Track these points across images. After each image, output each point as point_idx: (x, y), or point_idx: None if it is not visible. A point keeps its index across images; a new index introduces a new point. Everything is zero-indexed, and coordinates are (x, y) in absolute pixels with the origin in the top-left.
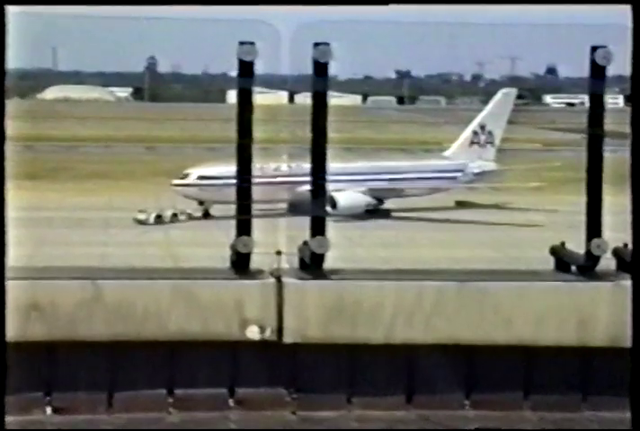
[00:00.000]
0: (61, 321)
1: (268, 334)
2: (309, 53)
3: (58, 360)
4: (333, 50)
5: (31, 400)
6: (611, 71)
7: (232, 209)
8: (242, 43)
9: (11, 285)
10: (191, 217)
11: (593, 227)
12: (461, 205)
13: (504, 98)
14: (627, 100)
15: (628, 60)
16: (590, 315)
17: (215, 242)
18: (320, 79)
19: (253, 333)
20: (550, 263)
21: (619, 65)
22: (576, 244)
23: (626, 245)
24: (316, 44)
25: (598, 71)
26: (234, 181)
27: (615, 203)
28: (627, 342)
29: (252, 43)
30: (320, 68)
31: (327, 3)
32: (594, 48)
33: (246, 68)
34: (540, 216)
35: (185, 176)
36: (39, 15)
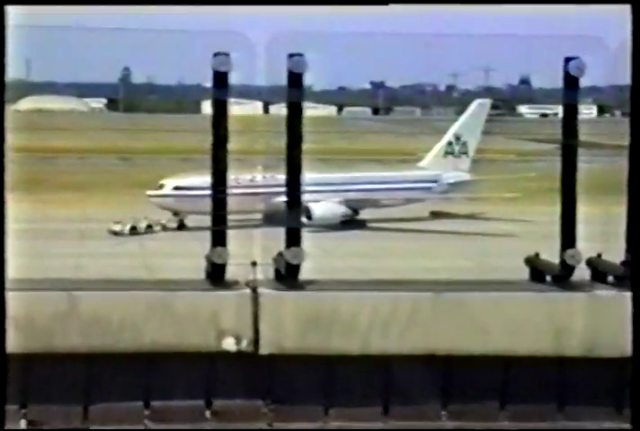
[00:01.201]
0: (36, 333)
1: (244, 345)
2: (284, 64)
3: (34, 372)
4: (307, 61)
5: (5, 412)
6: (585, 82)
7: (208, 220)
8: (216, 54)
9: None
10: (165, 228)
11: (568, 237)
12: (436, 215)
13: (479, 108)
14: (601, 110)
15: (601, 71)
16: (565, 325)
17: (189, 253)
18: (295, 90)
19: (229, 344)
20: (524, 273)
21: (592, 76)
22: (550, 255)
23: (599, 255)
24: (291, 55)
25: (571, 82)
26: (209, 192)
27: (589, 213)
28: (603, 352)
29: (226, 54)
30: (295, 79)
31: (326, 3)
32: (567, 59)
33: (221, 79)
34: (514, 226)
35: (161, 187)
36: (12, 27)
